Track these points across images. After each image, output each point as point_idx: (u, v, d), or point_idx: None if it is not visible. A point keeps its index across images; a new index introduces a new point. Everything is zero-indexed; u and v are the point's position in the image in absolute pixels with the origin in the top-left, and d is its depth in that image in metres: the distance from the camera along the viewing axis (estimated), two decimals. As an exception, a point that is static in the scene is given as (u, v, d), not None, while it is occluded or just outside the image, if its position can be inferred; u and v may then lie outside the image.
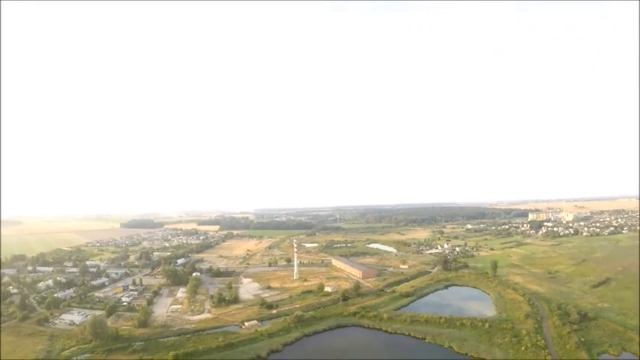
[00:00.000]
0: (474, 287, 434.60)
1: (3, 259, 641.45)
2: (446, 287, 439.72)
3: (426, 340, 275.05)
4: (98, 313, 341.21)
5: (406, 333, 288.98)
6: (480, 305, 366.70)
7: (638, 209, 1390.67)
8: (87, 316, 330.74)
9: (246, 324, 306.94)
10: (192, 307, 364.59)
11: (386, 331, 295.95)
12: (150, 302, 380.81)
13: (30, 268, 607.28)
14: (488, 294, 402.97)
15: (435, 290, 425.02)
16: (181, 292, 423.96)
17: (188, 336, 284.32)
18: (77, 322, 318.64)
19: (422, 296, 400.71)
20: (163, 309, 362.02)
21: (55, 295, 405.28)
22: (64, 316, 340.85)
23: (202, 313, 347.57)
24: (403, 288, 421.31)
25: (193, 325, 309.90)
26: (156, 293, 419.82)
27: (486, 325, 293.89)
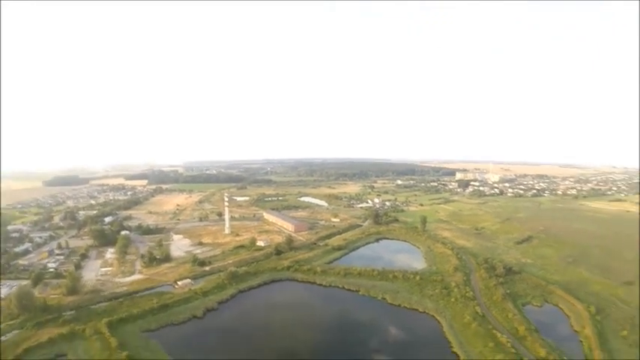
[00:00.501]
0: (405, 241, 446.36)
1: None
2: (377, 240, 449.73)
3: (360, 293, 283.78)
4: (23, 283, 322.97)
5: (340, 286, 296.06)
6: (410, 258, 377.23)
7: (558, 175, 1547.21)
8: (12, 287, 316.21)
9: (179, 283, 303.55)
10: (123, 268, 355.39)
11: (320, 285, 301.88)
12: (78, 266, 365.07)
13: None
14: (418, 247, 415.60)
15: (367, 243, 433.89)
16: (110, 253, 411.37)
17: (120, 300, 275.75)
18: (2, 295, 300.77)
19: (354, 249, 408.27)
20: (92, 273, 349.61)
21: None
22: None
23: (133, 274, 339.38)
24: (335, 241, 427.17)
25: (125, 288, 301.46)
26: (84, 256, 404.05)
27: (417, 278, 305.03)
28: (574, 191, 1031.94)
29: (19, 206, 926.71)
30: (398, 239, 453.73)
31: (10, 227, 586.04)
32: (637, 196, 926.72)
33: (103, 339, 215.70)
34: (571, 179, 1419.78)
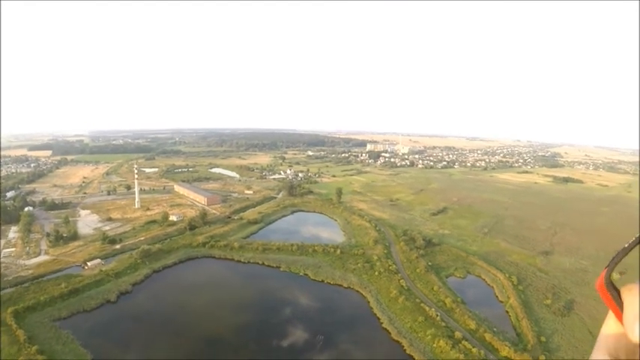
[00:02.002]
0: (321, 213, 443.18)
1: None
2: (292, 213, 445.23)
3: (281, 269, 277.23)
4: None
5: (259, 262, 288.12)
6: (328, 231, 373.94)
7: (466, 148, 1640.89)
8: None
9: (89, 264, 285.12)
10: (28, 249, 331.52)
11: (238, 261, 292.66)
12: None
13: None
14: (335, 220, 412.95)
15: (283, 217, 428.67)
16: (13, 232, 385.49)
17: (26, 285, 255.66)
18: None
19: (270, 223, 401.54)
20: None
21: None
22: None
23: (39, 255, 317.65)
24: (250, 215, 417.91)
25: (31, 272, 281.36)
26: None
27: (338, 252, 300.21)
28: (482, 163, 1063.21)
29: None
30: (314, 212, 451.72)
31: None
32: (544, 168, 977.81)
33: (10, 331, 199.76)
34: (478, 152, 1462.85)
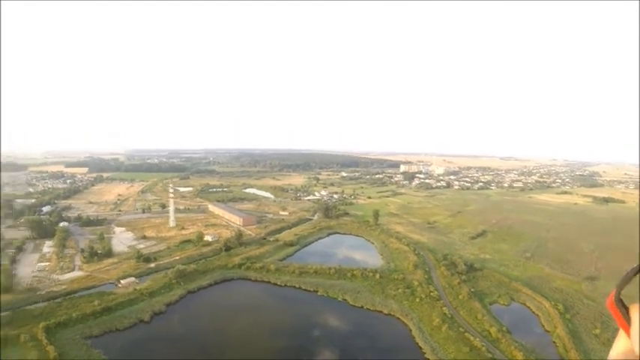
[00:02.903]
0: (357, 235, 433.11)
1: None
2: (328, 235, 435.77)
3: (319, 293, 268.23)
4: None
5: (296, 285, 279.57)
6: (366, 255, 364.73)
7: (501, 168, 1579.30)
8: None
9: (122, 282, 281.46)
10: (62, 263, 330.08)
11: (275, 284, 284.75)
12: (13, 260, 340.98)
13: None
14: (373, 243, 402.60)
15: (319, 239, 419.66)
16: (48, 247, 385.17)
17: (59, 300, 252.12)
18: None
19: (306, 245, 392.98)
20: (28, 268, 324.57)
21: None
22: None
23: (73, 270, 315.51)
24: (286, 236, 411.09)
25: (64, 287, 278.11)
26: (19, 249, 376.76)
27: (377, 276, 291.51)
28: (520, 184, 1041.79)
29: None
30: (350, 234, 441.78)
31: None
32: (582, 188, 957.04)
33: (40, 346, 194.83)
34: (514, 172, 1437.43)
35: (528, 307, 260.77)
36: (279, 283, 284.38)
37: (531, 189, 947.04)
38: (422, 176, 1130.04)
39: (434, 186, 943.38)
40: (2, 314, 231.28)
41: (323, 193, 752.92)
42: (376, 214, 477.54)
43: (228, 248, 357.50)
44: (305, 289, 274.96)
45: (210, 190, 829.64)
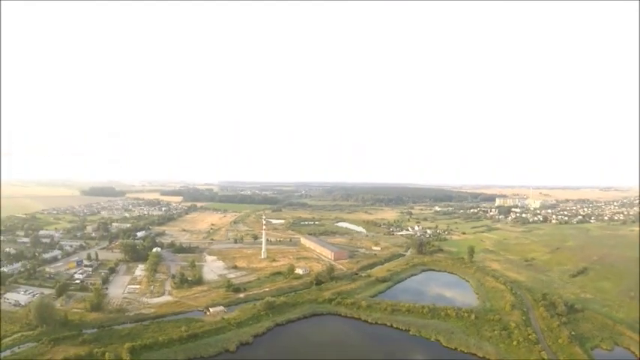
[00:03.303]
0: (452, 273, 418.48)
1: None
2: (422, 272, 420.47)
3: (410, 332, 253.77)
4: (47, 292, 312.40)
5: (388, 324, 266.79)
6: (460, 293, 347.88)
7: (601, 199, 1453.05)
8: (34, 295, 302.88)
9: (211, 310, 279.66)
10: (152, 287, 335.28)
11: (365, 321, 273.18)
12: (105, 281, 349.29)
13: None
14: (468, 281, 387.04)
15: (412, 275, 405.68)
16: (140, 270, 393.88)
17: (146, 323, 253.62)
18: (23, 303, 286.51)
19: (399, 281, 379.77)
20: (119, 289, 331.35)
21: (2, 269, 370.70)
22: (8, 294, 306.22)
23: (163, 295, 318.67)
24: (378, 272, 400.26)
25: (153, 310, 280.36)
26: (112, 270, 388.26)
27: (472, 317, 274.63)
28: (621, 216, 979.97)
29: (55, 212, 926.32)
30: (444, 271, 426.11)
31: (41, 232, 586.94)
32: None
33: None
34: (615, 203, 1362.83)
35: (633, 353, 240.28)
36: (370, 321, 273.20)
37: (634, 221, 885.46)
38: (518, 210, 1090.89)
39: (530, 220, 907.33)
40: (88, 331, 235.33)
41: (416, 228, 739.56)
42: (471, 251, 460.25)
43: (319, 282, 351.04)
44: (397, 328, 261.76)
45: (302, 223, 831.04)
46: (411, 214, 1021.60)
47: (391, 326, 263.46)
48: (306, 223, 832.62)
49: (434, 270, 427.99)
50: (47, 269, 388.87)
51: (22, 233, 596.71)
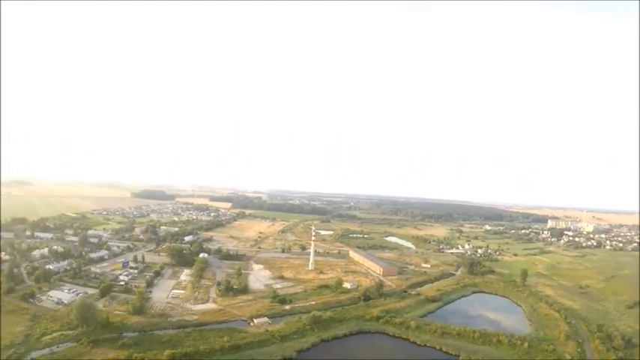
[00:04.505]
0: (503, 296, 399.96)
1: (3, 221, 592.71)
2: (473, 293, 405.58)
3: (461, 358, 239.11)
4: (91, 291, 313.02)
5: (437, 347, 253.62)
6: (512, 319, 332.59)
7: None
8: (78, 294, 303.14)
9: (255, 321, 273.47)
10: (196, 294, 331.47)
11: (414, 343, 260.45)
12: (150, 284, 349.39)
13: (28, 233, 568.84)
14: (520, 306, 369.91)
15: (462, 296, 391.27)
16: (185, 275, 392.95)
17: (188, 330, 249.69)
18: (65, 302, 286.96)
19: (449, 302, 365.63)
20: (164, 293, 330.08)
21: (48, 266, 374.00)
22: (52, 292, 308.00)
23: (207, 302, 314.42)
24: (428, 291, 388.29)
25: (195, 317, 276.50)
26: (157, 273, 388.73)
27: (525, 345, 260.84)
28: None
29: (104, 213, 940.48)
30: (496, 294, 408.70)
31: (90, 232, 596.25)
32: None
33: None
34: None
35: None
36: (418, 342, 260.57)
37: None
38: (570, 234, 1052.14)
39: (583, 245, 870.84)
40: (128, 336, 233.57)
41: (466, 246, 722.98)
42: (524, 274, 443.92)
43: (367, 298, 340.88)
44: (446, 352, 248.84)
45: (351, 235, 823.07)
46: (461, 231, 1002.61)
47: (440, 349, 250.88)
48: (355, 235, 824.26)
49: (485, 292, 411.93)
50: (93, 269, 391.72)
51: (71, 232, 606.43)
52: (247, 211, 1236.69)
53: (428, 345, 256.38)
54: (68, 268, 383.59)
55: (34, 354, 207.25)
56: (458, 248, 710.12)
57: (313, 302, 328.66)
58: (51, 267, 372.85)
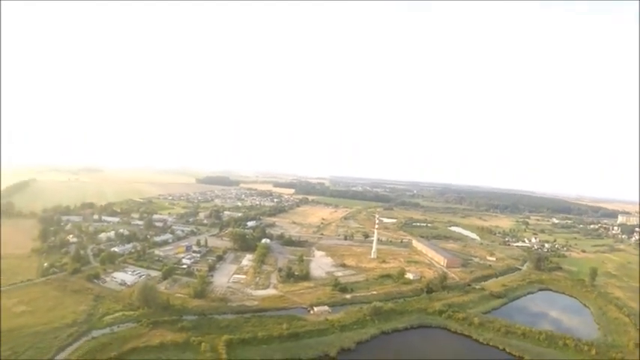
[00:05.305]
0: (571, 296, 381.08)
1: (73, 206, 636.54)
2: (539, 291, 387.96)
3: None
4: (154, 274, 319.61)
5: (500, 347, 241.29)
6: (580, 321, 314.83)
7: None
8: (141, 276, 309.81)
9: (315, 309, 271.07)
10: (257, 279, 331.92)
11: (476, 340, 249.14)
12: (211, 268, 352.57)
13: (96, 216, 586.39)
14: (588, 307, 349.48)
15: (528, 293, 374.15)
16: (247, 260, 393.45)
17: (247, 316, 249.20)
18: (128, 283, 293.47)
19: (514, 299, 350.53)
20: (225, 278, 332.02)
21: (114, 249, 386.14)
22: (116, 274, 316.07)
23: (267, 288, 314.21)
24: (493, 286, 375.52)
25: (255, 303, 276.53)
26: (220, 258, 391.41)
27: (592, 351, 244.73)
28: None
29: (170, 197, 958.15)
30: (563, 293, 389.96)
31: (155, 216, 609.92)
32: None
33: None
34: None
35: None
36: (481, 341, 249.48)
37: None
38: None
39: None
40: (188, 318, 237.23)
41: (533, 240, 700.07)
42: (593, 273, 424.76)
43: (429, 290, 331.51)
44: (509, 353, 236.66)
45: (414, 224, 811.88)
46: (527, 224, 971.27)
47: (504, 350, 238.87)
48: (418, 224, 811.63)
49: (551, 290, 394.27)
50: (157, 252, 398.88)
51: (136, 216, 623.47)
52: (310, 197, 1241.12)
53: (491, 344, 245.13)
54: (133, 250, 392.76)
55: (95, 333, 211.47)
56: (524, 241, 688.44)
57: (374, 292, 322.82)
58: (116, 249, 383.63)
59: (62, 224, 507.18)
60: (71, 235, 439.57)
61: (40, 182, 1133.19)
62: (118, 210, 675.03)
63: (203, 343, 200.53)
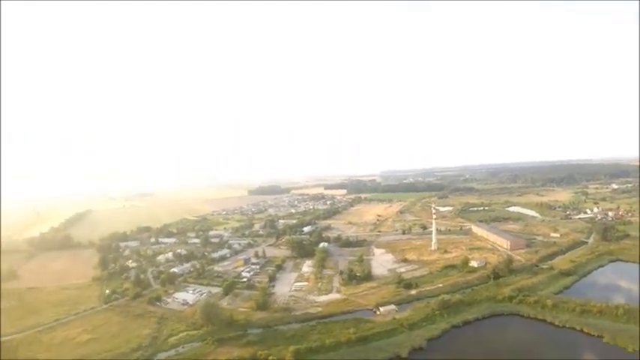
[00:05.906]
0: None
1: (129, 231, 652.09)
2: (609, 262, 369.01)
3: (604, 340, 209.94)
4: (215, 290, 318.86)
5: (577, 328, 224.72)
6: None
7: None
8: (202, 294, 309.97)
9: (381, 309, 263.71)
10: (319, 284, 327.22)
11: (551, 324, 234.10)
12: (272, 278, 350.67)
13: (153, 239, 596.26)
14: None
15: (599, 267, 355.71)
16: (307, 266, 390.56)
17: (313, 324, 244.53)
18: (190, 302, 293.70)
19: (584, 275, 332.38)
20: (286, 287, 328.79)
21: (173, 269, 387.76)
22: (177, 294, 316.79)
23: (330, 292, 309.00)
24: (561, 263, 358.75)
25: (320, 309, 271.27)
26: (279, 267, 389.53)
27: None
28: None
29: (224, 213, 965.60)
30: (635, 262, 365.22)
31: (211, 232, 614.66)
32: None
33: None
34: None
35: None
36: (556, 323, 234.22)
37: None
38: None
39: None
40: (253, 332, 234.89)
41: (595, 210, 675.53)
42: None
43: (496, 276, 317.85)
44: (587, 333, 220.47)
45: (471, 209, 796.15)
46: (586, 194, 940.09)
47: (581, 330, 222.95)
48: (475, 209, 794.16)
49: (622, 260, 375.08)
50: (216, 268, 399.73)
51: (192, 234, 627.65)
52: (363, 196, 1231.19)
53: (567, 326, 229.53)
54: (192, 269, 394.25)
55: (161, 355, 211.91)
56: (586, 213, 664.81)
57: (440, 285, 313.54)
58: (175, 270, 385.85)
59: (120, 250, 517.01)
60: (130, 261, 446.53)
61: (95, 212, 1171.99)
62: (174, 230, 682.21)
63: (270, 357, 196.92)
